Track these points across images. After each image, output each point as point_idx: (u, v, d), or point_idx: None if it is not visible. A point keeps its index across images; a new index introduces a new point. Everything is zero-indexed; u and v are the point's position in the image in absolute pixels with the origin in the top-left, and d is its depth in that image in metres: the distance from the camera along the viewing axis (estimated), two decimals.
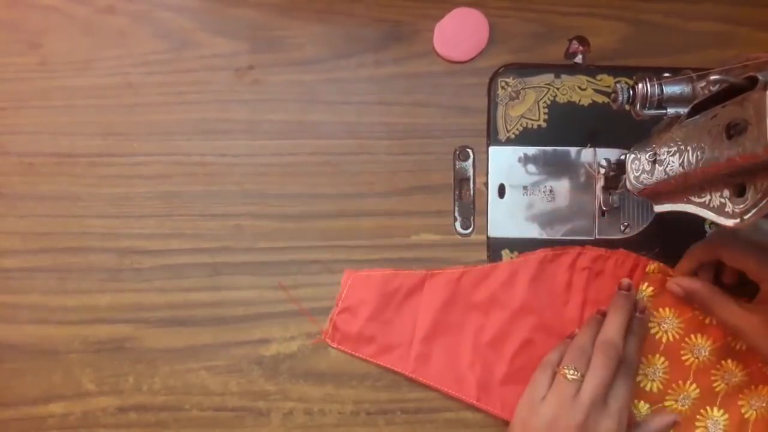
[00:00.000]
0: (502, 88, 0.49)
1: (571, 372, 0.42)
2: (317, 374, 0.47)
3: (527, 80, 0.49)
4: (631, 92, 0.38)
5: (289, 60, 0.49)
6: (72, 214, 0.48)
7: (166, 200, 0.48)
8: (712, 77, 0.34)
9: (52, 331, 0.46)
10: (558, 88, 0.49)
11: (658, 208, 0.41)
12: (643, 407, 0.46)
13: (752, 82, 0.32)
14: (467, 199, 0.49)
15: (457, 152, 0.49)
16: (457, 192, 0.49)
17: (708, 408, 0.46)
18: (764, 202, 0.31)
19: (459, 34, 0.49)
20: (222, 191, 0.48)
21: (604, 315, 0.45)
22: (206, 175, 0.48)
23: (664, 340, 0.46)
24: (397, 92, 0.49)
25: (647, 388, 0.46)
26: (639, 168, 0.41)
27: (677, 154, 0.37)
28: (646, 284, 0.46)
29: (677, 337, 0.46)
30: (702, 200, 0.36)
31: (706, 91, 0.36)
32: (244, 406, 0.46)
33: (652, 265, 0.47)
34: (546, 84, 0.50)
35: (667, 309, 0.46)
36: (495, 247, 0.49)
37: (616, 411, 0.42)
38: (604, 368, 0.42)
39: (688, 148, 0.36)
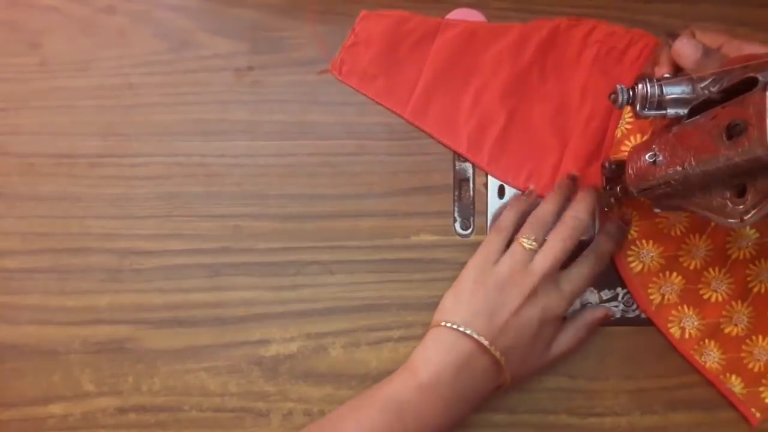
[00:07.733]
0: None
1: (529, 241, 0.42)
2: (317, 375, 0.47)
3: None
4: (631, 93, 0.38)
5: (289, 60, 0.49)
6: (72, 214, 0.48)
7: (165, 201, 0.48)
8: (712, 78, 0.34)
9: (51, 332, 0.46)
10: None
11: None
12: None
13: (752, 83, 0.32)
14: (467, 199, 0.49)
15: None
16: (456, 193, 0.49)
17: (692, 235, 0.47)
18: (765, 202, 0.31)
19: None
20: (222, 192, 0.48)
21: (572, 180, 0.45)
22: (206, 176, 0.48)
23: None
24: None
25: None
26: (639, 168, 0.41)
27: (677, 155, 0.37)
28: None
29: None
30: (702, 201, 0.36)
31: (706, 92, 0.36)
32: (243, 406, 0.46)
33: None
34: None
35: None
36: None
37: (568, 293, 0.41)
38: (562, 242, 0.41)
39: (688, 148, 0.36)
